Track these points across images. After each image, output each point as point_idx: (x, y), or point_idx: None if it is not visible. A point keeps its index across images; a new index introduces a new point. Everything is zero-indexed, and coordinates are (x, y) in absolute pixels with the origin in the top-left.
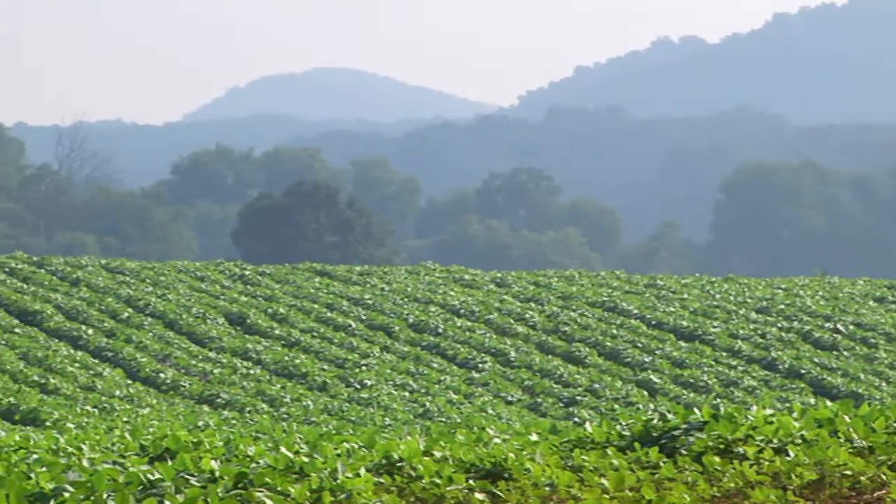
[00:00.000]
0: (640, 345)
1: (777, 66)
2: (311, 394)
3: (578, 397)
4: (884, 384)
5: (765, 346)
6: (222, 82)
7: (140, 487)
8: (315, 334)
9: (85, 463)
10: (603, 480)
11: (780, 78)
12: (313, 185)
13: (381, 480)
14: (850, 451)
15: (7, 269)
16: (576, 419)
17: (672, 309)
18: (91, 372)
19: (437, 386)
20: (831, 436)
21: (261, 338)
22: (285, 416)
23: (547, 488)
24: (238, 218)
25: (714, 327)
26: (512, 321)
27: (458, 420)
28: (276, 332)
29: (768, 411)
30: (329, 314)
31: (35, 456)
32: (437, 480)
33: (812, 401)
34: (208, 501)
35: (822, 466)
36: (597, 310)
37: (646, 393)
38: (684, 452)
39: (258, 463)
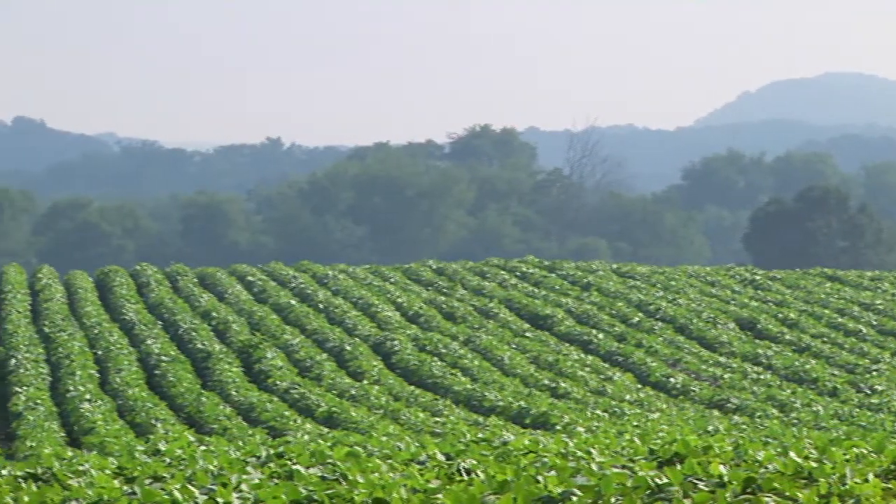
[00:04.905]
0: None
1: None
2: (822, 399)
3: None
4: None
5: None
6: (734, 87)
7: (647, 492)
8: (825, 339)
9: (593, 467)
10: None
11: None
12: (824, 190)
13: (890, 486)
14: None
15: (519, 274)
16: None
17: None
18: (601, 376)
19: None
20: None
21: (771, 343)
22: (795, 421)
23: None
24: (749, 223)
25: None
26: None
27: None
28: (787, 337)
29: None
30: (840, 319)
31: (544, 460)
32: None
33: None
34: None
35: None
36: None
37: None
38: None
39: (767, 468)
